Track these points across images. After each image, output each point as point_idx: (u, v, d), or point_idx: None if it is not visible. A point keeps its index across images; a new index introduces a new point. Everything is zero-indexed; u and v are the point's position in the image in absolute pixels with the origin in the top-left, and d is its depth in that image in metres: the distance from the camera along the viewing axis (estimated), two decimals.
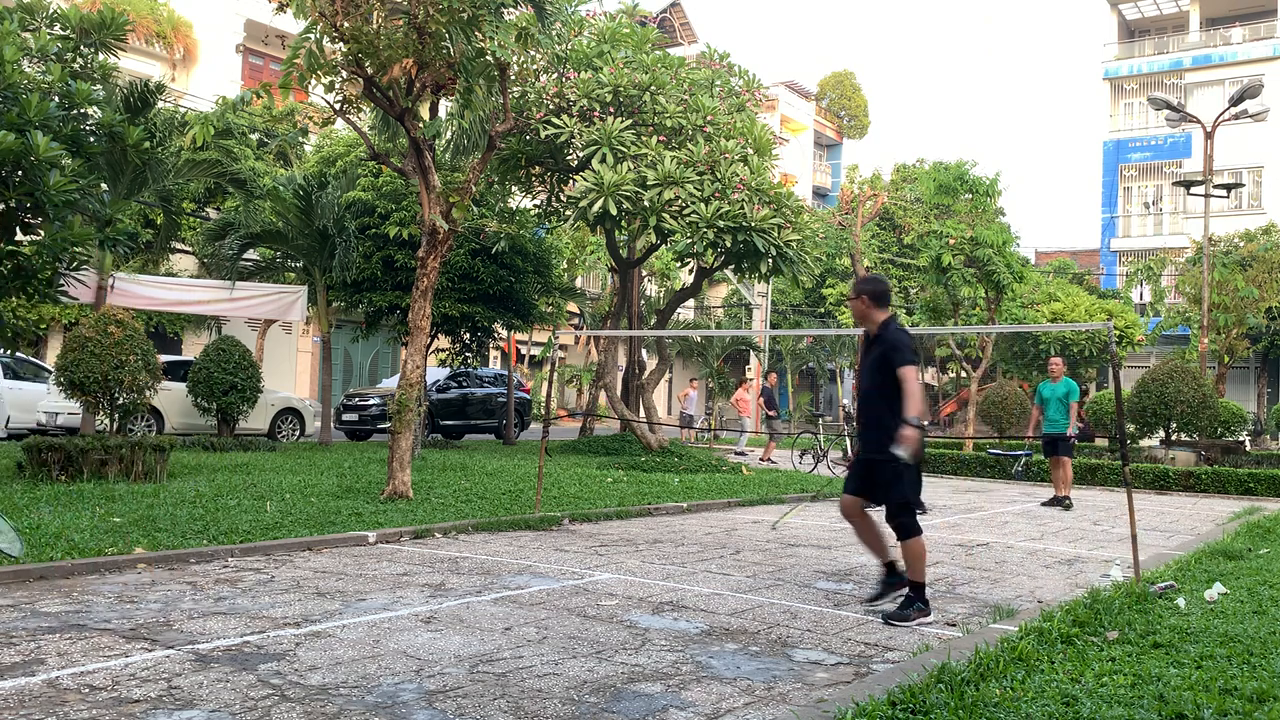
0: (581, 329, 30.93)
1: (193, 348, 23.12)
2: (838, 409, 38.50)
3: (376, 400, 20.82)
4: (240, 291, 17.23)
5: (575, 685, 4.14)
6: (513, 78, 11.11)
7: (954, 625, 5.58)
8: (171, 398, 15.79)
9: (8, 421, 16.60)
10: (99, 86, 10.87)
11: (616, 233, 17.58)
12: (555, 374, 23.92)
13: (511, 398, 21.87)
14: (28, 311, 20.44)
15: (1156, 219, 40.38)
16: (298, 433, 19.03)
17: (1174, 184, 29.27)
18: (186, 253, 22.43)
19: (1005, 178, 57.56)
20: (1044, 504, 12.98)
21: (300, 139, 21.06)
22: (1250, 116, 23.17)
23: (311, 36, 9.66)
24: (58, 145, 8.83)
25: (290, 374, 27.41)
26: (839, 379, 43.94)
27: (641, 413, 18.83)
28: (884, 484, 5.67)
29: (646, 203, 15.02)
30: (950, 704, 3.65)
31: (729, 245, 15.41)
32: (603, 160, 15.29)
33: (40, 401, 16.37)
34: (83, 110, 10.41)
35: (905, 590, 5.68)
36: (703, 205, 15.07)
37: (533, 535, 8.67)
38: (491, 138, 10.93)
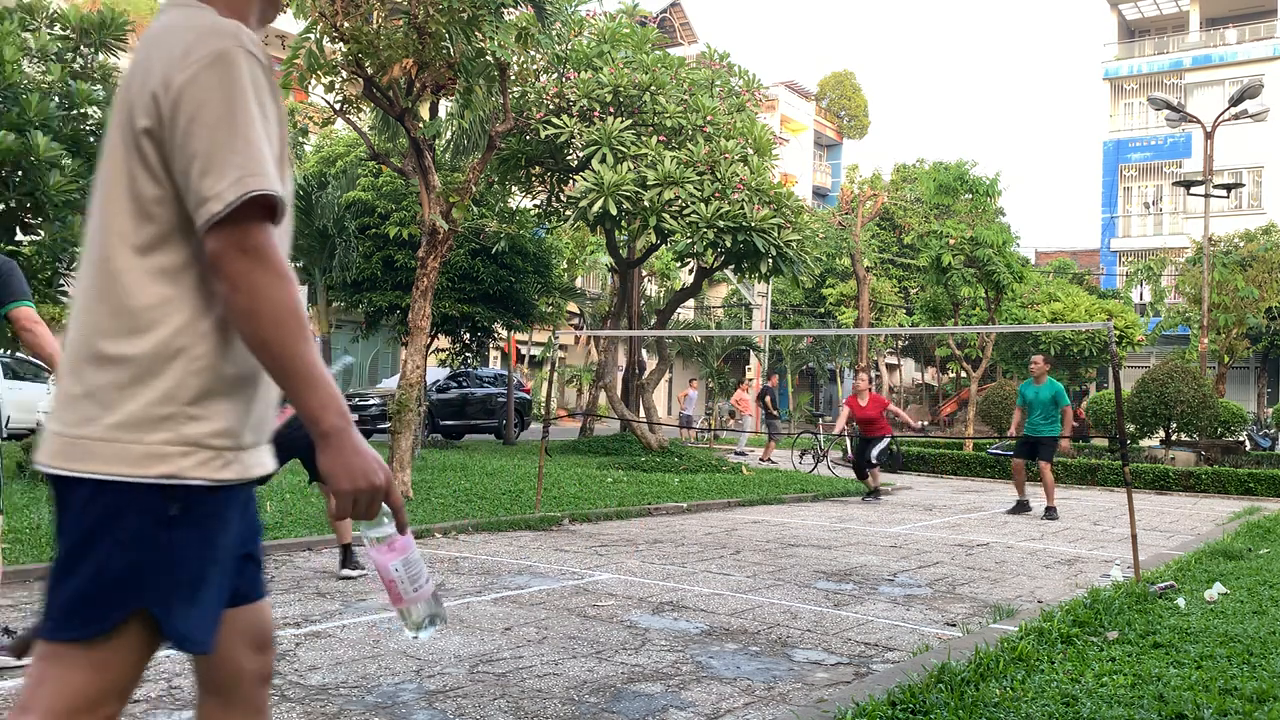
0: (581, 329, 30.94)
1: None
2: (838, 409, 38.50)
3: (376, 400, 20.81)
4: None
5: (575, 685, 4.14)
6: (513, 78, 11.12)
7: (954, 625, 5.58)
8: None
9: (8, 422, 16.60)
10: (99, 86, 10.85)
11: (616, 233, 17.59)
12: (555, 374, 23.90)
13: (511, 398, 21.88)
14: None
15: (1156, 219, 40.38)
16: None
17: (1174, 184, 29.26)
18: None
19: (1005, 178, 57.59)
20: (1009, 511, 11.88)
21: (300, 139, 21.06)
22: (1250, 116, 23.13)
23: (311, 36, 9.66)
24: (58, 145, 8.83)
25: None
26: (839, 379, 43.93)
27: (641, 413, 18.83)
28: None
29: (646, 203, 15.03)
30: (950, 704, 3.65)
31: (729, 245, 15.42)
32: (603, 160, 15.29)
33: (40, 401, 16.37)
34: (83, 110, 10.40)
35: None
36: (703, 205, 15.08)
37: (533, 535, 8.67)
38: (491, 138, 10.94)
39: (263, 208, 1.51)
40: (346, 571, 6.26)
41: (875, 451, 12.87)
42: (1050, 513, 11.48)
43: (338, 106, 10.41)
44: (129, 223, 1.57)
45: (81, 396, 1.56)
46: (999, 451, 18.54)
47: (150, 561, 1.56)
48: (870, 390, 12.89)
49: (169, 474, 1.55)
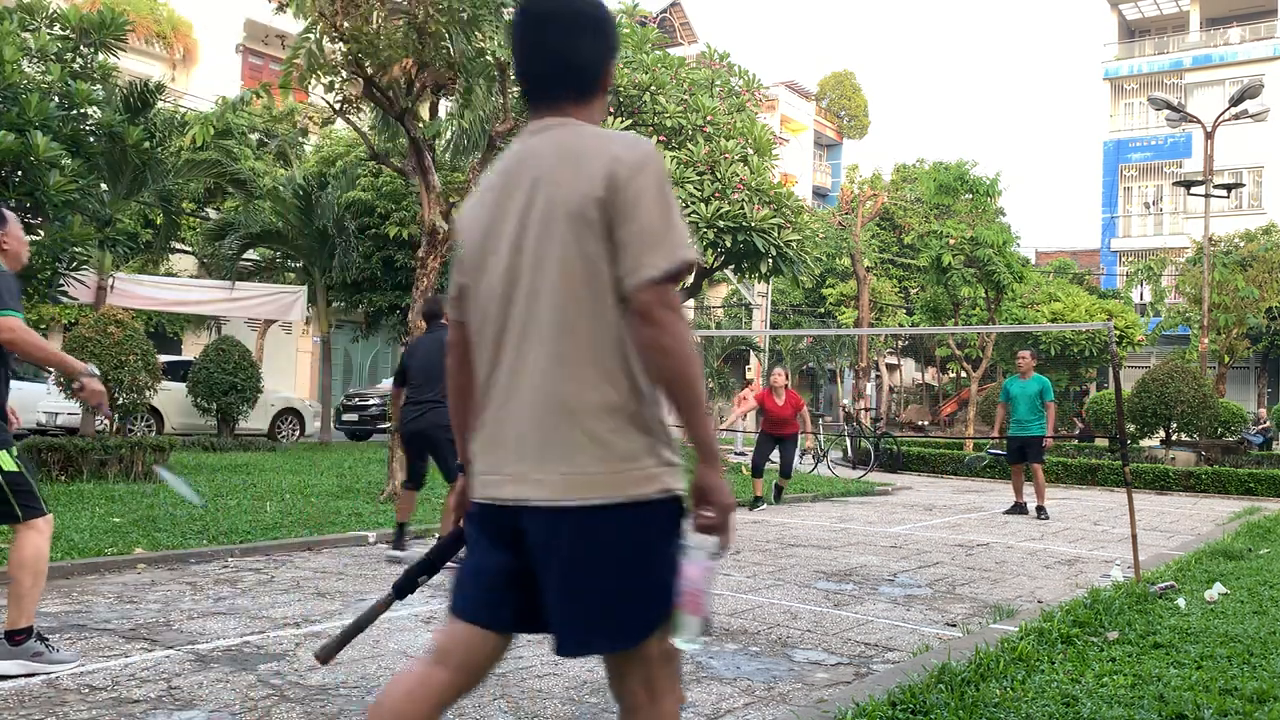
0: None
1: (193, 348, 23.12)
2: (838, 409, 38.49)
3: (376, 400, 20.82)
4: (240, 291, 17.24)
5: (575, 685, 4.13)
6: (513, 78, 11.11)
7: (954, 625, 5.58)
8: (171, 398, 15.79)
9: None
10: (99, 86, 10.86)
11: None
12: None
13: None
14: (28, 311, 20.45)
15: (1156, 219, 40.36)
16: (298, 433, 19.04)
17: (1174, 184, 29.26)
18: (186, 253, 22.44)
19: (1005, 178, 57.42)
20: (1006, 512, 11.78)
21: (300, 139, 21.06)
22: (1250, 116, 23.11)
23: (311, 36, 9.66)
24: (58, 145, 8.84)
25: (290, 374, 27.41)
26: (839, 379, 43.93)
27: None
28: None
29: None
30: (950, 704, 3.65)
31: (729, 245, 15.41)
32: None
33: (40, 401, 16.37)
34: (83, 110, 10.41)
35: None
36: (703, 205, 15.07)
37: None
38: (491, 138, 10.93)
39: (676, 274, 1.94)
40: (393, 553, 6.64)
41: (797, 460, 12.01)
42: (1040, 512, 11.47)
43: (338, 106, 10.41)
44: (589, 291, 1.97)
45: (587, 441, 1.94)
46: (997, 453, 18.53)
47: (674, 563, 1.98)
48: (787, 387, 11.95)
49: (666, 489, 1.98)
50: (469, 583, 2.16)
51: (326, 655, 2.36)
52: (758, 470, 11.75)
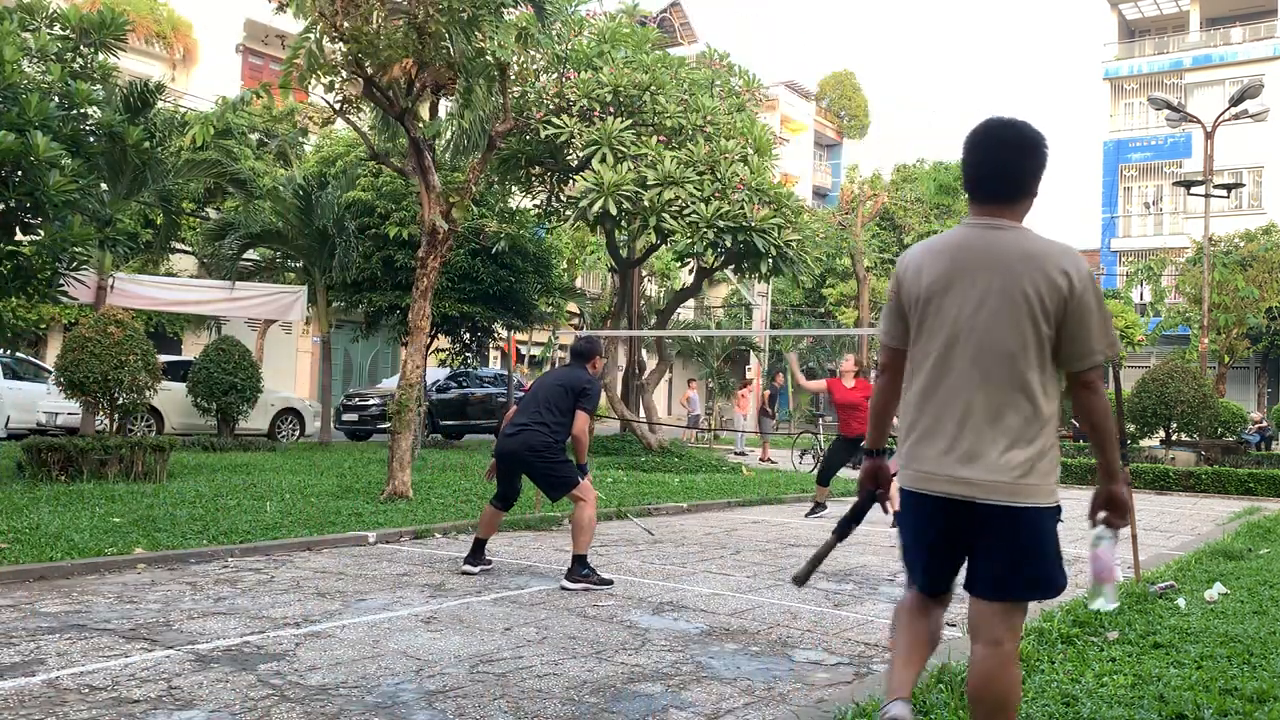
0: (581, 329, 30.92)
1: (193, 348, 23.11)
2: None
3: (376, 400, 20.81)
4: (240, 291, 17.22)
5: (575, 685, 4.14)
6: (513, 78, 11.11)
7: (954, 625, 5.57)
8: (171, 398, 15.78)
9: (8, 421, 16.59)
10: (99, 86, 10.85)
11: (616, 233, 17.59)
12: None
13: (511, 398, 21.84)
14: (28, 311, 20.43)
15: (1156, 219, 40.34)
16: (298, 433, 19.03)
17: (1174, 184, 29.24)
18: (186, 253, 22.43)
19: None
20: None
21: (300, 139, 21.04)
22: (1250, 116, 23.09)
23: (311, 36, 9.66)
24: (58, 145, 8.83)
25: (290, 374, 27.40)
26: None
27: (641, 413, 18.84)
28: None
29: (646, 203, 15.02)
30: (950, 704, 3.65)
31: (729, 245, 15.42)
32: (603, 160, 15.28)
33: (40, 401, 16.36)
34: (83, 110, 10.40)
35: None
36: (703, 205, 15.07)
37: (533, 535, 8.67)
38: (491, 138, 10.94)
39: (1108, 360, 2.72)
40: (566, 584, 6.34)
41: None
42: None
43: (338, 106, 10.41)
44: (1035, 356, 2.71)
45: (1021, 461, 2.69)
46: None
47: (1059, 547, 2.79)
48: (858, 374, 10.82)
49: (1058, 501, 2.77)
50: (916, 561, 2.93)
51: (802, 579, 3.36)
52: (824, 479, 10.95)
